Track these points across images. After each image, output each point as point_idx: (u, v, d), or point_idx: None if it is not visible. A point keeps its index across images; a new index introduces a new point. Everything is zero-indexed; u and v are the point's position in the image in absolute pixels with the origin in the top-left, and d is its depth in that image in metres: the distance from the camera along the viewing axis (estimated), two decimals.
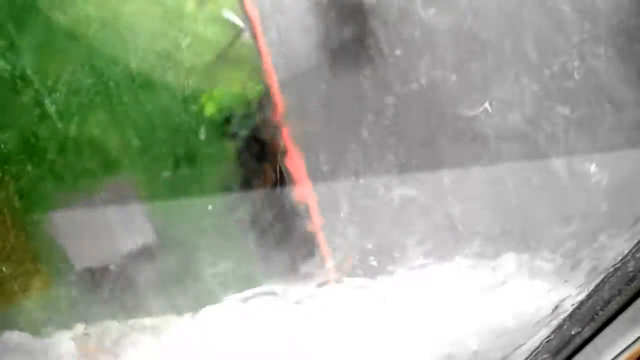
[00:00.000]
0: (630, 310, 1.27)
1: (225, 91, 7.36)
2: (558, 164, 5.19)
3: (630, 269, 1.18)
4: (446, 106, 5.56)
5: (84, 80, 7.10)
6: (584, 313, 1.32)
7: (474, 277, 1.75)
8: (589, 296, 1.30)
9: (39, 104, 6.89)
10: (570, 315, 1.39)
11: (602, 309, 1.32)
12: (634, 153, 4.95)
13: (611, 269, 1.20)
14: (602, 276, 1.24)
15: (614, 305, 1.29)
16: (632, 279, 1.21)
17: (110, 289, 6.58)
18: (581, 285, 1.36)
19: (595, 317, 1.35)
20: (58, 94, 6.92)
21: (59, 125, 6.79)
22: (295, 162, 5.95)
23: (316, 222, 5.75)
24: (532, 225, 5.18)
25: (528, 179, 5.35)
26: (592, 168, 5.09)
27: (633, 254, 1.13)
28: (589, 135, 5.17)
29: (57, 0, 7.67)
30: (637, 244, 1.18)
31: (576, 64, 5.31)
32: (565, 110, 5.27)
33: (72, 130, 6.89)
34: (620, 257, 1.21)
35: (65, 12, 7.59)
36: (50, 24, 7.49)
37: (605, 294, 1.31)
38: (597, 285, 1.26)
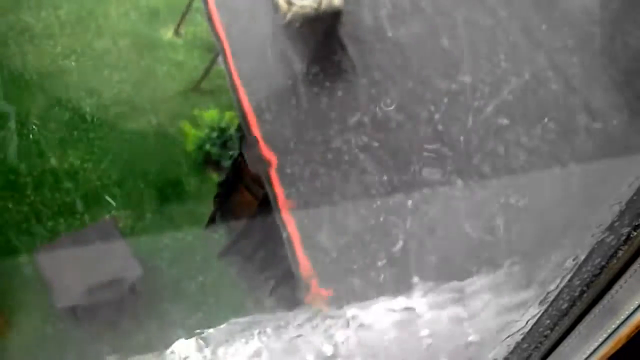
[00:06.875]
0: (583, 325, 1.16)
1: (204, 120, 7.33)
2: None
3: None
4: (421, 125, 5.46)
5: (60, 114, 7.10)
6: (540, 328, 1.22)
7: (442, 296, 1.65)
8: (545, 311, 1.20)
9: (17, 139, 6.88)
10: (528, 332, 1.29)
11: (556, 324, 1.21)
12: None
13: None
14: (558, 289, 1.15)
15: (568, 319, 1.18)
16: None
17: (92, 326, 6.47)
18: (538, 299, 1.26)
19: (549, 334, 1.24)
20: (35, 129, 6.92)
21: (38, 160, 6.77)
22: (276, 188, 5.86)
23: (299, 248, 5.64)
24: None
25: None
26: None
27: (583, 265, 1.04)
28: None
29: (29, 34, 7.72)
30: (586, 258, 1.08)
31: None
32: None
33: (51, 164, 6.86)
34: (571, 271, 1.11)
35: (39, 47, 7.62)
36: (24, 59, 7.52)
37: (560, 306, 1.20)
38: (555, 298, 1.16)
